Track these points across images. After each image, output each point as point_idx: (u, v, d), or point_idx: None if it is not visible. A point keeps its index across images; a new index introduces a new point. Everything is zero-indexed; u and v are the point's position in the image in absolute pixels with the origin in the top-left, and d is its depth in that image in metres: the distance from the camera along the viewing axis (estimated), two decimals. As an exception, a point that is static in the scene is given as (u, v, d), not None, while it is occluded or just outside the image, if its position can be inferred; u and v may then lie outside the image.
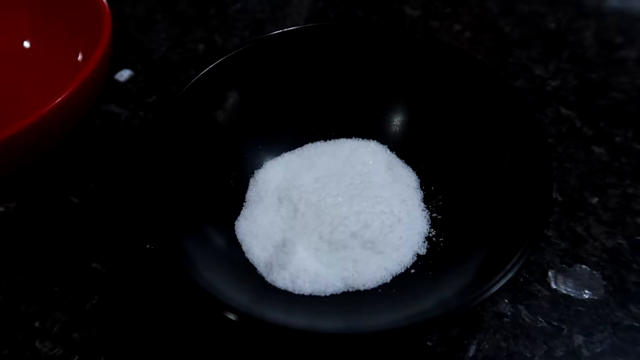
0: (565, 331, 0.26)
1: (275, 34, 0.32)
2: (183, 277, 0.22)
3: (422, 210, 0.29)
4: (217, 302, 0.22)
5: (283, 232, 0.28)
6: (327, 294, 0.26)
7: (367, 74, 0.33)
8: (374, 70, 0.33)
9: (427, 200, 0.30)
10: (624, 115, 0.36)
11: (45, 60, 0.39)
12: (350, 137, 0.33)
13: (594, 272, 0.29)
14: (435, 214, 0.29)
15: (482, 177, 0.28)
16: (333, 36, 0.33)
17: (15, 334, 0.27)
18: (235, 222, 0.29)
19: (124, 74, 0.41)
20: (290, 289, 0.26)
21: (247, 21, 0.46)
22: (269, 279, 0.26)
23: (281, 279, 0.26)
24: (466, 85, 0.30)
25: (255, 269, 0.27)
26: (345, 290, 0.26)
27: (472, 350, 0.26)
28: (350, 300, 0.26)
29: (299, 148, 0.32)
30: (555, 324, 0.27)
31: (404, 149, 0.32)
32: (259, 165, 0.32)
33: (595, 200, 0.32)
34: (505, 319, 0.27)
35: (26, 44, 0.41)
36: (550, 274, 0.29)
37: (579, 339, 0.26)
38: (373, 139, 0.32)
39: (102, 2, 0.35)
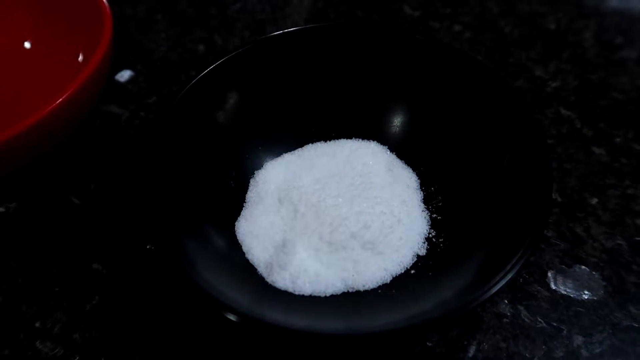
0: (564, 332, 0.26)
1: (276, 34, 0.32)
2: (183, 277, 0.22)
3: (422, 211, 0.29)
4: (217, 303, 0.22)
5: (283, 232, 0.28)
6: (327, 295, 0.26)
7: (367, 75, 0.33)
8: (374, 70, 0.33)
9: (427, 201, 0.30)
10: (624, 116, 0.36)
11: (46, 60, 0.39)
12: (351, 138, 0.33)
13: (594, 273, 0.29)
14: (435, 215, 0.29)
15: (482, 178, 0.28)
16: (333, 37, 0.33)
17: (16, 335, 0.27)
18: (236, 223, 0.29)
19: (124, 75, 0.41)
20: (290, 290, 0.26)
21: (247, 21, 0.46)
22: (269, 279, 0.26)
23: (281, 279, 0.26)
24: (466, 86, 0.30)
25: (256, 269, 0.27)
26: (345, 290, 0.26)
27: (472, 350, 0.26)
28: (350, 300, 0.26)
29: (299, 149, 0.32)
30: (554, 324, 0.27)
31: (404, 149, 0.32)
32: (259, 166, 0.32)
33: (595, 201, 0.32)
34: (505, 320, 0.27)
35: (27, 45, 0.41)
36: (549, 274, 0.29)
37: (578, 340, 0.26)
38: (373, 140, 0.32)
39: (103, 2, 0.35)
